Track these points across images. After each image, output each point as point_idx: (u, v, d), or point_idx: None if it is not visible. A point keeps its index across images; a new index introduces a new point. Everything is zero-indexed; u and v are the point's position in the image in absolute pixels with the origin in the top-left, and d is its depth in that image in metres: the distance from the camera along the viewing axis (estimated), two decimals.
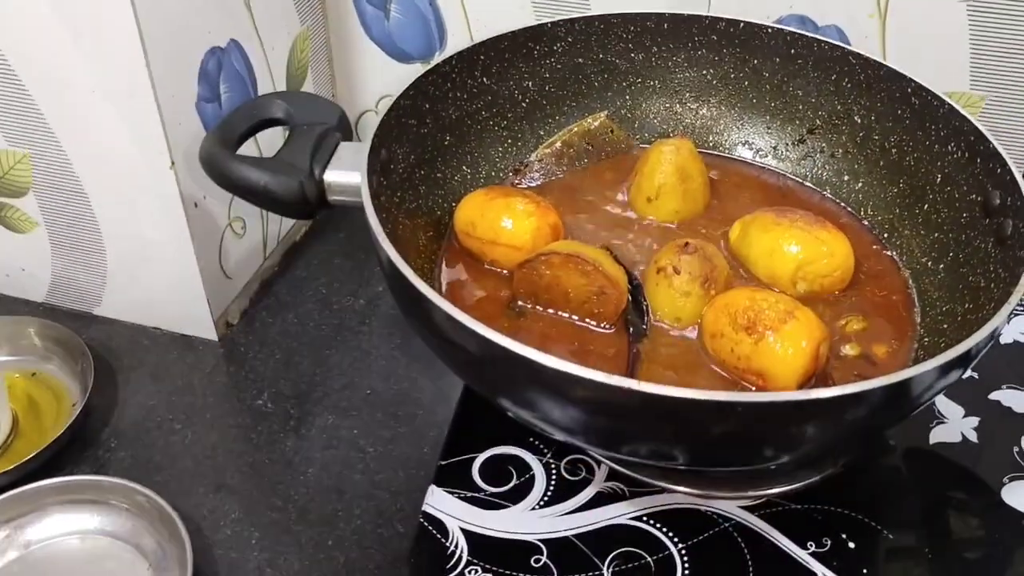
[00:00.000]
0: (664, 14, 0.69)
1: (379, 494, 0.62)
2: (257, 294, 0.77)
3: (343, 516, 0.61)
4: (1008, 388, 0.63)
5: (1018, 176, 0.54)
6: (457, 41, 0.81)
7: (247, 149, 0.69)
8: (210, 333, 0.73)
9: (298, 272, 0.80)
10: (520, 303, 0.59)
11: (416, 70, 0.63)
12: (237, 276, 0.75)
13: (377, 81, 0.86)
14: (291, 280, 0.80)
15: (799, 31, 0.67)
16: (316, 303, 0.77)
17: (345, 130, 0.59)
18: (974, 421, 0.61)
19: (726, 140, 0.72)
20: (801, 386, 0.52)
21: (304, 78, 0.81)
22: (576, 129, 0.71)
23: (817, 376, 0.52)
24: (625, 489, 0.56)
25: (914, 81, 0.61)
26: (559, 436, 0.48)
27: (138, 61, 0.59)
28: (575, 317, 0.58)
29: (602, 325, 0.57)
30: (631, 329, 0.57)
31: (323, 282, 0.79)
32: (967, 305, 0.54)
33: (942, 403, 0.62)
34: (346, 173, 0.56)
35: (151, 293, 0.72)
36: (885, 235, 0.64)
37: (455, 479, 0.57)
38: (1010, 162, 0.55)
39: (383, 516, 0.60)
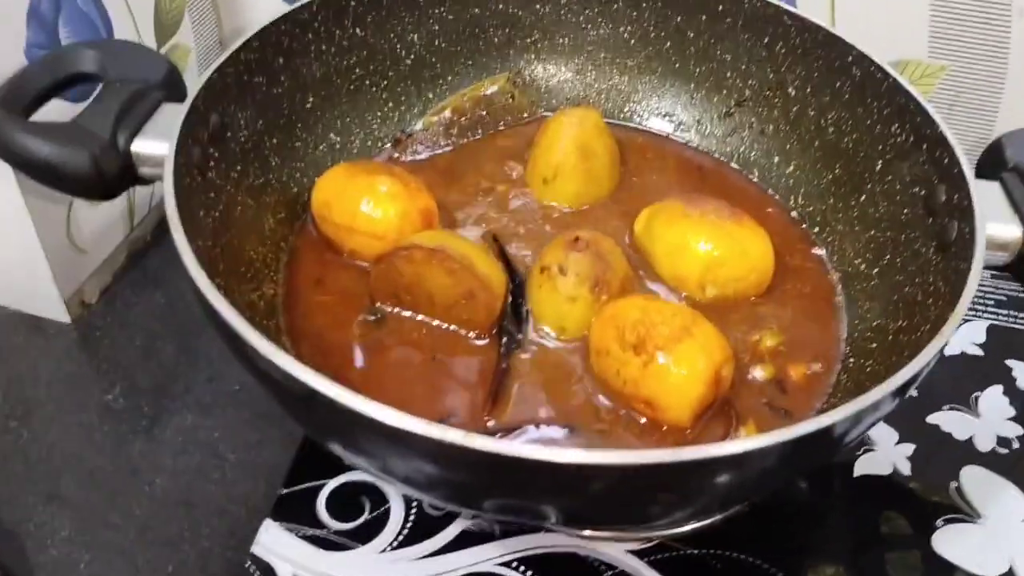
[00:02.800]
0: None
1: (233, 509, 0.54)
2: (123, 269, 0.69)
3: (188, 536, 0.53)
4: (950, 409, 0.55)
5: (967, 169, 0.45)
6: None
7: None
8: (61, 314, 0.64)
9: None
10: (380, 306, 0.50)
11: None
12: (95, 249, 0.66)
13: None
14: (166, 252, 0.70)
15: None
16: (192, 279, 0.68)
17: (172, 88, 0.50)
18: (908, 449, 0.53)
19: (643, 110, 0.64)
20: (698, 417, 0.44)
21: (179, 23, 0.70)
22: (470, 94, 0.63)
23: (717, 405, 0.44)
24: (495, 527, 0.48)
25: (855, 48, 0.53)
26: (405, 491, 0.40)
27: None
28: (443, 323, 0.49)
29: (472, 333, 0.48)
30: (504, 339, 0.48)
31: None
32: (900, 323, 0.46)
33: None
34: (160, 143, 0.46)
35: None
36: (816, 229, 0.56)
37: (296, 512, 0.49)
38: (959, 152, 0.46)
39: (235, 536, 0.53)
